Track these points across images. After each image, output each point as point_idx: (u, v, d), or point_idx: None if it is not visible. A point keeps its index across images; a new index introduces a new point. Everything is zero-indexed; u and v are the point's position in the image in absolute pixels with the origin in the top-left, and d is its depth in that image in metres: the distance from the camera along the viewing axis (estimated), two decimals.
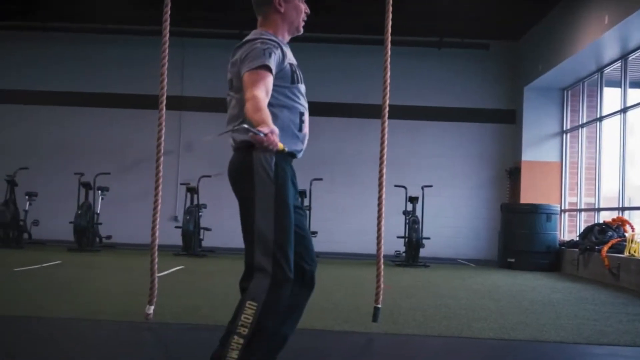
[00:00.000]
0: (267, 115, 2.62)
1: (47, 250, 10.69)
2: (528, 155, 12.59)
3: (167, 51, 4.77)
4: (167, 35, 4.77)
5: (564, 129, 12.52)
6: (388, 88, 4.88)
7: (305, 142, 2.99)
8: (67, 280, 7.11)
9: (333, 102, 13.11)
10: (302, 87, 2.98)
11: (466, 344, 4.47)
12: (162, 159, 4.90)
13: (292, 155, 2.92)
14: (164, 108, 4.80)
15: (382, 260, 4.80)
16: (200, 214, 11.29)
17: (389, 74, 4.86)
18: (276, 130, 2.55)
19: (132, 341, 4.24)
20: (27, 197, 11.49)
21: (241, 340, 2.67)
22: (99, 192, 11.61)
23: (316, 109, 12.65)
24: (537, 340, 4.61)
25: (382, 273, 4.79)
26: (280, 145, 2.58)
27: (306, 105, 2.99)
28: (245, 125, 2.54)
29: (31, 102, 13.32)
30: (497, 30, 12.68)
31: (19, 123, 13.32)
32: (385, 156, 4.85)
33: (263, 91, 2.71)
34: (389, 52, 4.88)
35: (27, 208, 11.50)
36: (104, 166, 12.19)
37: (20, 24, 13.12)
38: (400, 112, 12.51)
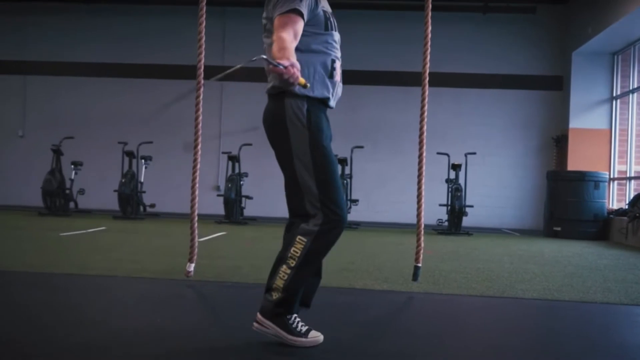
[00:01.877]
0: (290, 53, 2.59)
1: (93, 218, 10.90)
2: (576, 122, 12.24)
3: (204, 17, 4.71)
4: (204, 2, 4.71)
5: (614, 95, 12.12)
6: (429, 51, 4.76)
7: (338, 90, 2.95)
8: (111, 243, 7.23)
9: (375, 70, 12.96)
10: (337, 35, 2.95)
11: (508, 303, 4.38)
12: (200, 126, 4.85)
13: (323, 103, 2.88)
14: (202, 79, 4.76)
15: (422, 219, 4.72)
16: (241, 182, 11.34)
17: (429, 38, 4.74)
18: (297, 64, 2.52)
19: (173, 297, 4.27)
20: (72, 166, 11.70)
21: (288, 271, 2.80)
22: (142, 161, 11.74)
23: (358, 77, 12.66)
24: (582, 301, 4.49)
25: (422, 232, 4.72)
26: (302, 80, 2.54)
27: (339, 54, 2.95)
28: (264, 56, 2.49)
29: (75, 73, 13.50)
30: None
31: (63, 94, 13.53)
32: (426, 113, 4.73)
33: (291, 34, 2.68)
34: (430, 18, 4.74)
35: (72, 177, 11.71)
36: (147, 136, 12.33)
37: None
38: (444, 80, 12.30)
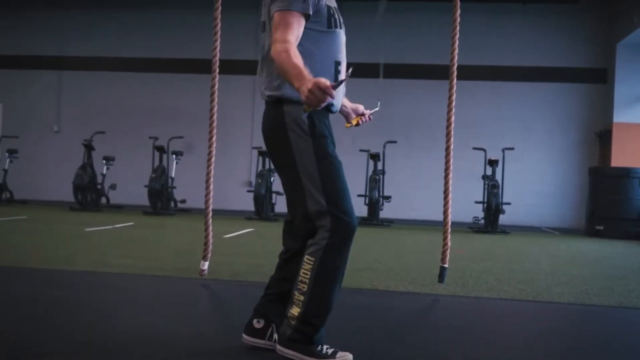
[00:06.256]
0: (301, 62, 2.30)
1: (123, 214, 10.83)
2: (620, 116, 11.72)
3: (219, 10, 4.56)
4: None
5: None
6: (457, 43, 4.53)
7: (342, 95, 2.69)
8: (135, 239, 7.11)
9: (409, 64, 12.62)
10: (341, 34, 2.64)
11: (542, 308, 4.06)
12: (215, 118, 4.72)
13: (326, 108, 2.59)
14: (217, 74, 4.64)
15: (449, 216, 4.44)
16: (272, 178, 11.15)
17: (457, 30, 4.50)
18: (325, 82, 2.20)
19: (182, 297, 4.07)
20: (104, 161, 11.66)
21: (302, 297, 2.54)
22: (174, 156, 11.64)
23: (392, 70, 12.34)
24: (623, 306, 4.15)
25: (449, 230, 4.44)
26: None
27: (344, 54, 2.65)
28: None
29: (107, 68, 13.50)
30: None
31: (97, 89, 13.55)
32: (454, 103, 4.45)
33: (294, 35, 2.41)
34: (459, 7, 4.50)
35: (104, 172, 11.68)
36: (178, 131, 12.23)
37: None
38: (482, 73, 11.92)
